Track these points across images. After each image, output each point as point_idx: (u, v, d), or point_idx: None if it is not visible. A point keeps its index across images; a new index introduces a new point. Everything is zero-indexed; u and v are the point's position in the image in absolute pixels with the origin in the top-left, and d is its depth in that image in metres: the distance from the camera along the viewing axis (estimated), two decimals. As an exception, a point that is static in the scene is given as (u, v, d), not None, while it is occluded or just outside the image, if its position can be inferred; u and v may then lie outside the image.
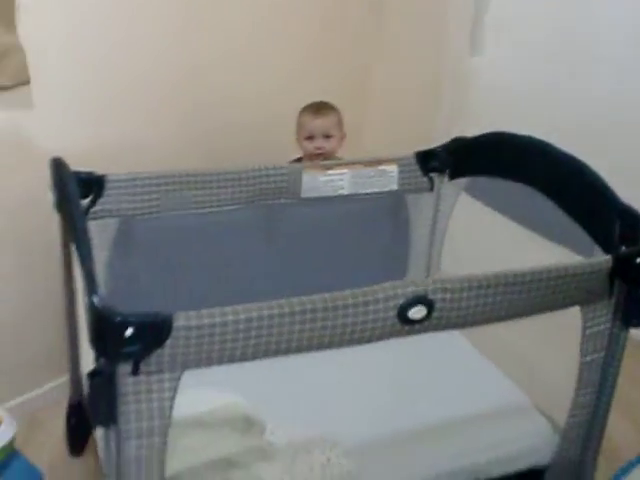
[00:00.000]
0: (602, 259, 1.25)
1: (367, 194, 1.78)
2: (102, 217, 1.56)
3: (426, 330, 1.16)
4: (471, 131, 1.78)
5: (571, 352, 1.36)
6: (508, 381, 1.58)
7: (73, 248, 1.32)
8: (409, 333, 1.14)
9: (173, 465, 1.11)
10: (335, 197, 1.76)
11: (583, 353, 1.33)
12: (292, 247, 1.74)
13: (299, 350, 1.10)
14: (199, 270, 1.70)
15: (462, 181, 1.77)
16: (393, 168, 1.78)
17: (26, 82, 1.61)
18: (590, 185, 1.39)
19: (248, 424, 1.23)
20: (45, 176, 1.43)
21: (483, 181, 1.71)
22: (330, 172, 1.74)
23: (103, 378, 1.00)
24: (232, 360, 1.06)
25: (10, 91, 1.56)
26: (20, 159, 1.66)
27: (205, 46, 1.96)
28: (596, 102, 2.13)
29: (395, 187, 1.80)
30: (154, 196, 1.62)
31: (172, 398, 1.05)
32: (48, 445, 1.71)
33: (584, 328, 1.31)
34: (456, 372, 1.60)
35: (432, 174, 1.81)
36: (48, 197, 1.38)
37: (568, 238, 1.45)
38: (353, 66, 2.39)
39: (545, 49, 2.21)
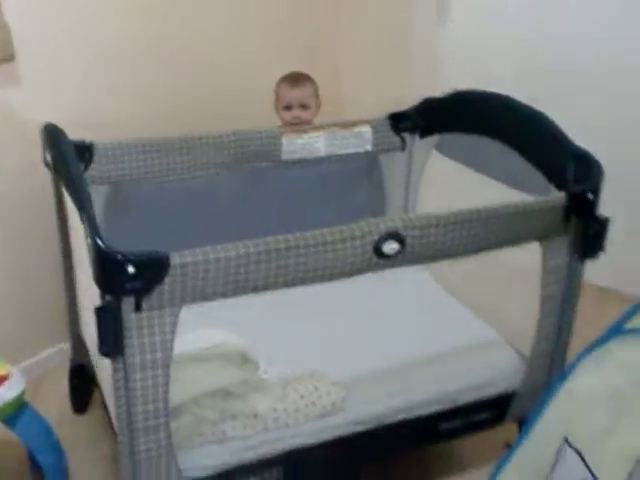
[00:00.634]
0: (557, 196, 1.38)
1: (343, 155, 1.89)
2: (93, 183, 1.65)
3: (400, 264, 1.28)
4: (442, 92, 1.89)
5: (532, 289, 1.49)
6: (475, 318, 1.70)
7: (70, 204, 1.41)
8: (385, 267, 1.26)
9: (176, 396, 1.22)
10: (313, 159, 1.87)
11: (544, 286, 1.45)
12: (274, 207, 1.85)
13: (286, 285, 1.21)
14: (186, 232, 1.79)
15: (432, 139, 1.88)
16: (367, 129, 1.89)
17: (11, 58, 1.69)
18: (547, 132, 1.51)
19: (243, 360, 1.34)
20: (35, 145, 1.52)
21: (452, 138, 1.83)
22: (307, 135, 1.85)
23: (109, 313, 1.11)
24: (225, 294, 1.18)
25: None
26: (8, 131, 1.74)
27: (184, 17, 2.05)
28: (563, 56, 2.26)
29: (369, 147, 1.91)
30: (141, 163, 1.71)
31: (173, 332, 1.16)
32: (53, 404, 1.81)
33: (544, 262, 1.43)
34: (428, 311, 1.73)
35: (404, 134, 1.92)
36: (45, 159, 1.47)
37: (529, 184, 1.57)
38: (325, 35, 2.48)
39: (509, 14, 2.33)
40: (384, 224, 1.23)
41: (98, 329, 1.11)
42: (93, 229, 1.11)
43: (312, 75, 2.07)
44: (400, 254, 1.25)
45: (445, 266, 1.49)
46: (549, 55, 2.27)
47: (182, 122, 2.10)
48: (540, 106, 1.57)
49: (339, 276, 1.24)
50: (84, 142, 1.62)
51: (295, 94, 2.01)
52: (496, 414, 1.56)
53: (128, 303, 1.11)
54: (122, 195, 1.72)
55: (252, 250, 1.15)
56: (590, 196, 1.38)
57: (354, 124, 1.89)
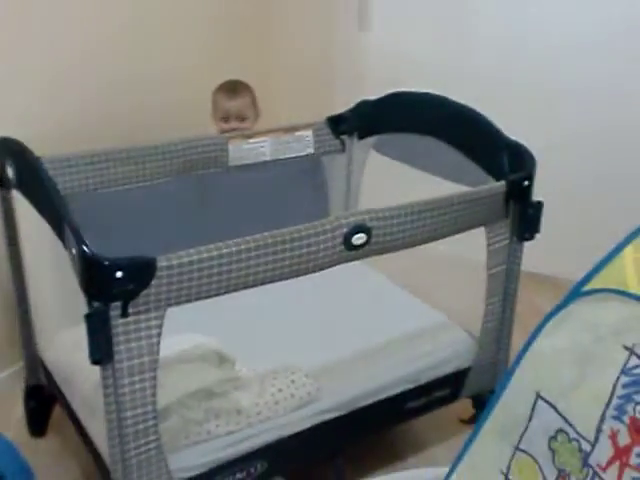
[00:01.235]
0: (498, 184, 1.52)
1: (287, 158, 1.96)
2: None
3: (367, 254, 1.37)
4: (367, 97, 2.00)
5: (474, 275, 1.62)
6: (424, 304, 1.83)
7: (28, 219, 1.39)
8: (354, 258, 1.35)
9: (162, 398, 1.24)
10: (259, 163, 1.93)
11: (489, 267, 1.59)
12: (224, 212, 1.89)
13: (264, 281, 1.26)
14: (137, 241, 1.79)
15: (370, 140, 1.99)
16: (308, 133, 1.97)
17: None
18: (480, 127, 1.65)
19: (220, 359, 1.38)
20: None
21: (388, 138, 1.94)
22: (252, 140, 1.90)
23: (98, 319, 1.12)
24: (208, 295, 1.21)
25: None
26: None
27: (117, 27, 2.05)
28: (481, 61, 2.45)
29: (312, 151, 1.99)
30: (89, 174, 1.70)
31: (159, 335, 1.19)
32: (7, 430, 1.75)
33: (488, 245, 1.56)
34: (380, 301, 1.84)
35: (343, 136, 2.01)
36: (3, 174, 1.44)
37: (467, 177, 1.70)
38: (256, 45, 2.55)
39: (429, 20, 2.49)
40: (352, 217, 1.31)
41: (88, 337, 1.12)
42: (79, 237, 1.11)
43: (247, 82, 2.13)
44: (367, 245, 1.34)
45: (393, 260, 1.59)
46: (466, 58, 2.45)
47: (120, 134, 2.10)
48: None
49: (313, 269, 1.31)
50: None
51: (232, 105, 2.04)
52: (453, 391, 1.68)
53: (116, 308, 1.13)
54: (71, 208, 1.70)
55: (234, 249, 1.19)
56: (525, 183, 1.53)
57: (296, 128, 1.96)
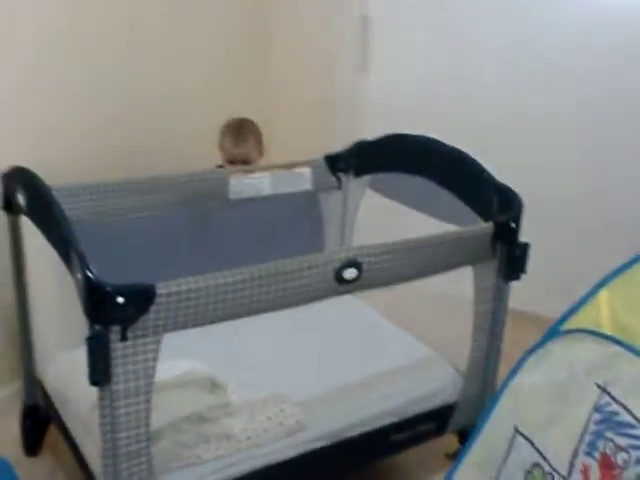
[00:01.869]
0: (486, 225, 1.58)
1: (285, 194, 2.04)
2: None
3: (358, 289, 1.43)
4: (366, 136, 2.09)
5: (462, 312, 1.67)
6: (412, 338, 1.88)
7: (36, 244, 1.46)
8: (345, 292, 1.41)
9: (156, 421, 1.29)
10: (258, 198, 2.00)
11: (476, 304, 1.64)
12: (223, 243, 1.95)
13: (258, 311, 1.32)
14: (139, 270, 1.85)
15: (366, 178, 2.06)
16: (307, 170, 2.05)
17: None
18: (471, 170, 1.73)
19: (212, 385, 1.43)
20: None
21: (384, 177, 2.02)
22: (252, 175, 1.98)
23: (98, 342, 1.17)
24: (204, 322, 1.27)
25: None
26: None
27: (120, 60, 2.14)
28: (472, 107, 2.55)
29: (309, 187, 2.07)
30: (95, 203, 1.77)
31: (155, 359, 1.24)
32: (2, 448, 1.79)
33: (475, 283, 1.62)
34: (370, 334, 1.89)
35: (340, 174, 2.09)
36: (15, 201, 1.51)
37: (457, 217, 1.77)
38: (258, 83, 2.65)
39: (423, 65, 2.60)
40: (344, 253, 1.37)
41: (88, 359, 1.17)
42: (84, 263, 1.18)
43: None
44: (358, 280, 1.40)
45: (383, 295, 1.65)
46: (459, 102, 2.55)
47: (126, 164, 2.18)
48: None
49: (305, 301, 1.37)
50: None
51: (238, 153, 2.12)
52: (439, 425, 1.72)
53: (115, 332, 1.19)
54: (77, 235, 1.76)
55: (231, 279, 1.25)
56: (512, 225, 1.60)
57: (295, 165, 2.04)
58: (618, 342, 1.06)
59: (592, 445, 1.07)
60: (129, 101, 2.19)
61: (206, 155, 2.18)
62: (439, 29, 2.56)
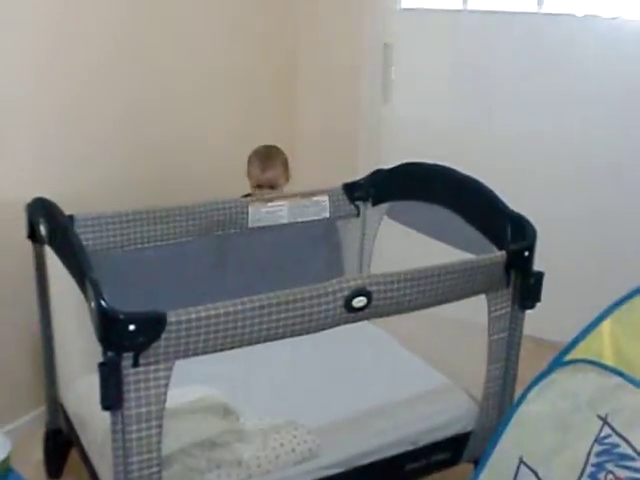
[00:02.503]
0: (499, 254, 1.58)
1: (304, 222, 2.07)
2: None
3: (367, 317, 1.44)
4: (388, 164, 2.12)
5: (478, 339, 1.67)
6: (429, 366, 1.88)
7: (57, 273, 1.52)
8: (355, 320, 1.42)
9: (167, 446, 1.32)
10: (277, 226, 2.04)
11: (490, 333, 1.64)
12: (242, 270, 1.99)
13: (267, 339, 1.34)
14: (160, 297, 1.90)
15: (384, 206, 2.09)
16: (325, 198, 2.08)
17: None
18: (485, 198, 1.74)
19: (225, 411, 1.45)
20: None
21: (401, 205, 2.04)
22: (271, 204, 2.02)
23: (111, 368, 1.21)
24: (215, 349, 1.30)
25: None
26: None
27: (159, 92, 2.23)
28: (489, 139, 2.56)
29: (327, 215, 2.10)
30: (117, 232, 1.83)
31: (166, 385, 1.27)
32: (26, 471, 1.83)
33: (489, 312, 1.62)
34: (386, 361, 1.90)
35: (358, 202, 2.12)
36: (37, 231, 1.58)
37: (472, 245, 1.77)
38: (286, 116, 2.72)
39: (443, 95, 2.63)
40: (353, 281, 1.39)
41: (101, 384, 1.21)
42: (97, 292, 1.22)
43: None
44: (367, 308, 1.41)
45: (398, 321, 1.66)
46: (482, 130, 2.56)
47: (155, 192, 2.25)
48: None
49: (315, 329, 1.39)
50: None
51: (265, 177, 2.18)
52: (454, 454, 1.71)
53: (127, 359, 1.22)
54: (100, 262, 1.82)
55: (240, 307, 1.28)
56: (526, 253, 1.60)
57: (313, 194, 2.08)
58: (620, 374, 1.05)
59: (593, 477, 1.07)
60: (157, 133, 2.27)
61: (233, 187, 2.24)
62: (458, 62, 2.60)
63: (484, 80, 2.57)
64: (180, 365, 1.28)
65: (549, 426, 1.22)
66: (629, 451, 0.99)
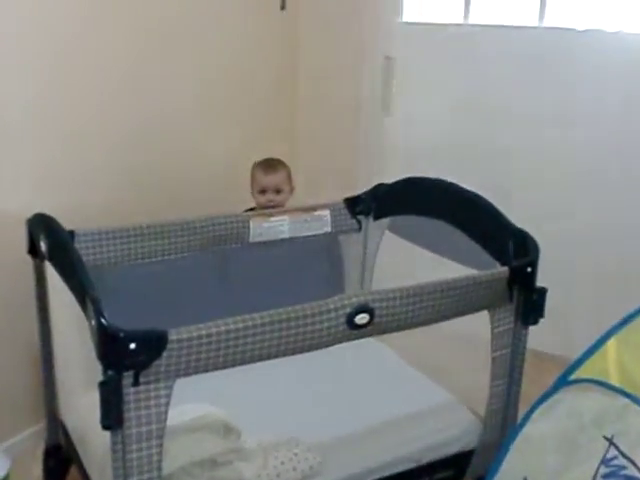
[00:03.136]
0: (501, 270, 1.58)
1: (305, 236, 2.07)
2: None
3: (370, 333, 1.43)
4: (388, 178, 2.11)
5: (481, 355, 1.66)
6: (432, 382, 1.86)
7: (57, 289, 1.51)
8: (357, 337, 1.41)
9: (168, 465, 1.30)
10: (278, 241, 2.03)
11: (493, 349, 1.62)
12: (243, 286, 1.98)
13: (269, 357, 1.33)
14: (162, 312, 1.89)
15: (385, 221, 2.08)
16: (326, 213, 2.08)
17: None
18: (487, 213, 1.73)
19: (226, 430, 1.44)
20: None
21: (402, 219, 2.04)
22: (273, 219, 2.01)
23: (111, 387, 1.20)
24: (216, 367, 1.29)
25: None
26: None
27: (158, 106, 2.23)
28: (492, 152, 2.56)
29: (329, 229, 2.09)
30: (118, 247, 1.82)
31: (167, 404, 1.26)
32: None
33: (492, 328, 1.60)
34: (389, 378, 1.88)
35: (359, 216, 2.11)
36: (37, 247, 1.57)
37: (474, 260, 1.76)
38: (287, 129, 2.72)
39: (444, 109, 2.63)
40: (355, 298, 1.38)
41: (101, 403, 1.20)
42: (97, 309, 1.21)
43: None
44: (370, 325, 1.40)
45: (401, 337, 1.64)
46: (483, 144, 2.57)
47: (159, 206, 2.24)
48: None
49: (317, 347, 1.37)
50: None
51: (269, 179, 2.20)
52: (457, 471, 1.69)
53: (128, 377, 1.21)
54: (101, 278, 1.81)
55: (241, 325, 1.27)
56: (529, 269, 1.59)
57: (314, 208, 2.07)
58: (626, 394, 1.04)
59: (600, 500, 1.04)
60: (158, 148, 2.26)
61: (234, 201, 2.24)
62: (459, 75, 2.60)
63: (485, 94, 2.58)
64: (179, 382, 1.27)
65: (554, 446, 1.21)
66: (636, 473, 0.97)
